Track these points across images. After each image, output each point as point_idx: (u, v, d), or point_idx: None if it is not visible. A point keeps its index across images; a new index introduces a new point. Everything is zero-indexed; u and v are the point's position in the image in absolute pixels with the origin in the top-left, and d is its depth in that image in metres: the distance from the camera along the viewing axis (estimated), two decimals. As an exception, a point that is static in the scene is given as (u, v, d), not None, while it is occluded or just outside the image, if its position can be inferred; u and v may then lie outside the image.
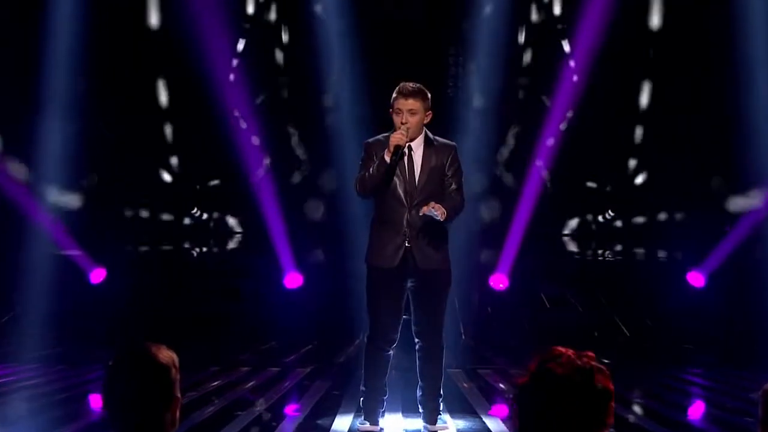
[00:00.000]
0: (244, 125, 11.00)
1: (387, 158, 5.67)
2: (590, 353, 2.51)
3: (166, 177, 11.87)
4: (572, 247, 12.16)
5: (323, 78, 11.33)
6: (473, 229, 11.23)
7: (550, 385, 2.43)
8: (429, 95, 5.81)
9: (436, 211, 5.55)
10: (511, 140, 11.85)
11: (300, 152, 11.79)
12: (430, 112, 5.80)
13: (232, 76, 10.94)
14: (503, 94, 11.42)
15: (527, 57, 11.74)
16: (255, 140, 11.24)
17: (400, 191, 5.78)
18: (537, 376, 2.46)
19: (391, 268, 5.77)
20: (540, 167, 11.52)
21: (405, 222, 5.77)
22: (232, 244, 12.02)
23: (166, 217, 11.98)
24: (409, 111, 5.69)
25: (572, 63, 11.34)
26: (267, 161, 11.41)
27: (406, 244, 5.76)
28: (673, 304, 10.93)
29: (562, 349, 2.49)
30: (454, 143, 5.90)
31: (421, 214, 5.65)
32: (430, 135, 5.84)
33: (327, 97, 11.50)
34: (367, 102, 10.69)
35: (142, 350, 2.70)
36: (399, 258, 5.76)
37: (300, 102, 11.75)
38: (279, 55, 11.60)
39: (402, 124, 5.66)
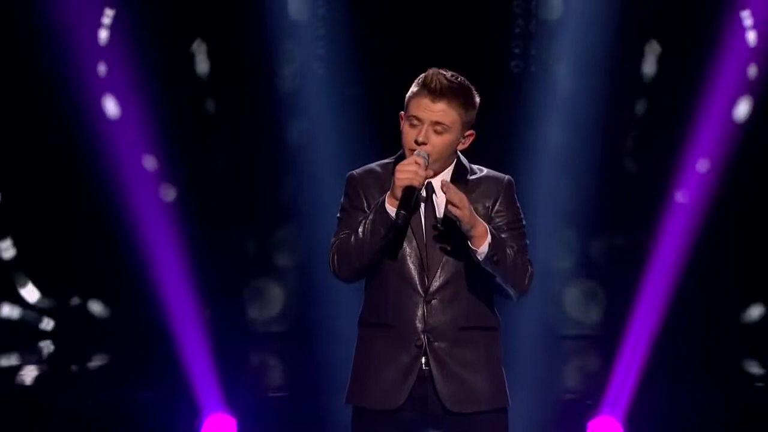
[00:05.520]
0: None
1: (390, 209, 4.47)
2: None
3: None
4: (754, 365, 10.31)
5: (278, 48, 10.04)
6: (556, 329, 9.86)
7: None
8: (476, 98, 4.51)
9: (458, 212, 4.42)
10: (628, 153, 10.36)
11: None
12: (471, 132, 4.55)
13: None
14: (615, 71, 9.86)
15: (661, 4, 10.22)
16: (146, 158, 10.04)
17: (411, 266, 4.59)
18: None
19: (391, 412, 4.55)
20: (685, 204, 9.90)
21: (419, 323, 4.57)
22: (98, 360, 10.40)
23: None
24: (435, 124, 4.48)
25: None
26: (170, 191, 9.98)
27: (422, 366, 4.54)
28: None
29: None
30: (506, 176, 4.69)
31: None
32: (466, 163, 4.67)
33: (285, 80, 10.21)
34: (361, 95, 9.57)
35: None
36: (407, 391, 4.53)
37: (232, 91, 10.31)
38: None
39: (417, 145, 4.49)
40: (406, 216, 4.52)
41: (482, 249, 4.46)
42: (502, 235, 4.68)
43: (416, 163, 4.50)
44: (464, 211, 4.50)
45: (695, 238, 10.24)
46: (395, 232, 4.60)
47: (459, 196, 4.50)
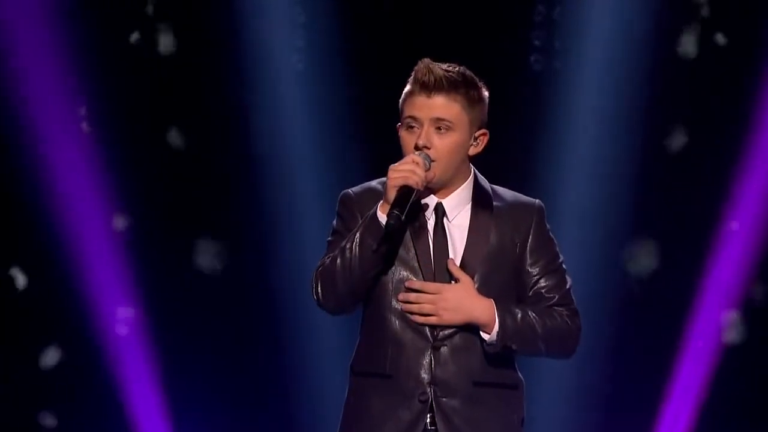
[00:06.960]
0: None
1: (381, 216, 4.28)
2: None
3: None
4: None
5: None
6: (589, 371, 8.67)
7: None
8: (483, 91, 4.33)
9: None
10: (673, 162, 9.25)
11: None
12: (484, 132, 4.33)
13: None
14: (656, 66, 8.77)
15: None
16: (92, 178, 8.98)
17: None
18: None
19: None
20: (739, 227, 8.87)
21: (425, 374, 4.41)
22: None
23: None
24: (436, 122, 4.30)
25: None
26: (119, 218, 9.26)
27: (427, 425, 4.36)
28: None
29: None
30: (536, 201, 4.48)
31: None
32: (485, 184, 4.46)
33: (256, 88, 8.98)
34: (350, 96, 8.62)
35: None
36: None
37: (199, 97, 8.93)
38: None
39: (417, 150, 4.33)
40: (399, 216, 4.23)
41: (490, 338, 4.21)
42: (541, 282, 4.40)
43: (413, 162, 4.25)
44: (443, 316, 4.20)
45: (754, 260, 8.91)
46: (388, 244, 4.33)
47: (418, 306, 4.23)
